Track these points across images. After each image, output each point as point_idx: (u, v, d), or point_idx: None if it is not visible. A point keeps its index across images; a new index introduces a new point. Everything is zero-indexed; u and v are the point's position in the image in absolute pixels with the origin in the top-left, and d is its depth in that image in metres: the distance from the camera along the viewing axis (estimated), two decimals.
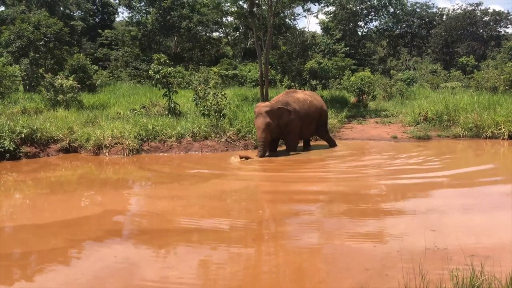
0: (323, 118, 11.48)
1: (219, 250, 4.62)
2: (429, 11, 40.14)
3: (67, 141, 11.41)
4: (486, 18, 38.39)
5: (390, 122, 15.32)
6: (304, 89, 19.81)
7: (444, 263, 3.90)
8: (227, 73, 25.36)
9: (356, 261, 4.17)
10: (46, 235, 5.22)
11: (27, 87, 18.53)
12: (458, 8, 39.64)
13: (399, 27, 39.09)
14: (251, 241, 4.92)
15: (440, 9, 41.66)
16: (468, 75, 27.10)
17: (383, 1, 32.45)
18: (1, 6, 26.99)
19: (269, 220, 5.75)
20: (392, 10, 33.63)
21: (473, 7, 38.31)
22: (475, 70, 27.31)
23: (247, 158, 9.80)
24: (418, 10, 39.66)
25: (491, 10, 38.34)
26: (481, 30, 38.57)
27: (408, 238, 4.70)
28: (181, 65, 25.96)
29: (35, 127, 11.17)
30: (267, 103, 10.88)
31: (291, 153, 10.62)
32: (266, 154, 10.25)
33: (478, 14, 38.15)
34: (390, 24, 36.29)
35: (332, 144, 11.58)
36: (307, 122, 10.96)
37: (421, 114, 14.56)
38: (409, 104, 17.33)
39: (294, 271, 4.08)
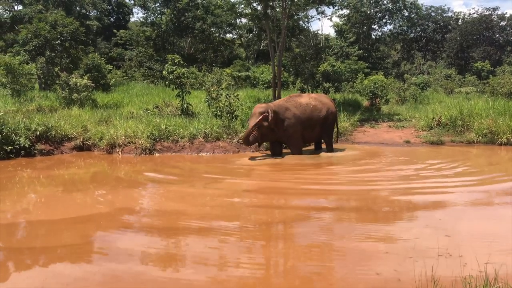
0: (330, 121, 11.17)
1: (228, 249, 4.63)
2: (444, 15, 39.80)
3: (81, 139, 11.56)
4: (503, 23, 37.91)
5: (403, 127, 15.20)
6: (317, 92, 19.81)
7: (458, 270, 3.85)
8: (239, 74, 25.41)
9: (367, 266, 4.15)
10: (61, 231, 5.29)
11: (43, 85, 18.79)
12: (474, 13, 39.24)
13: (414, 31, 38.83)
14: (262, 245, 4.92)
15: (456, 14, 41.27)
16: (483, 80, 26.76)
17: (398, 4, 32.29)
18: (19, 6, 27.39)
19: (278, 224, 5.75)
20: (406, 14, 33.45)
21: (490, 12, 37.89)
22: (491, 75, 26.97)
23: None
24: (433, 14, 39.37)
25: (508, 15, 37.88)
26: (497, 35, 38.09)
27: (420, 243, 4.65)
28: (194, 66, 26.08)
29: (49, 125, 11.35)
30: (263, 104, 10.93)
31: (296, 156, 10.60)
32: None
33: (494, 18, 37.70)
34: (405, 27, 36.09)
35: (329, 149, 11.26)
36: (310, 126, 10.83)
37: (434, 119, 14.43)
38: (422, 109, 17.18)
39: (305, 274, 4.07)
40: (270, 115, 10.25)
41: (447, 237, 4.83)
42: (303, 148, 11.33)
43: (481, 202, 6.70)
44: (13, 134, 10.47)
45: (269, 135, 10.56)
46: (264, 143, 11.39)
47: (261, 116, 10.18)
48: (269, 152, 11.19)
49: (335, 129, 11.76)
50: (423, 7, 36.97)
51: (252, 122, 10.29)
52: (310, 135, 11.09)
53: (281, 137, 10.67)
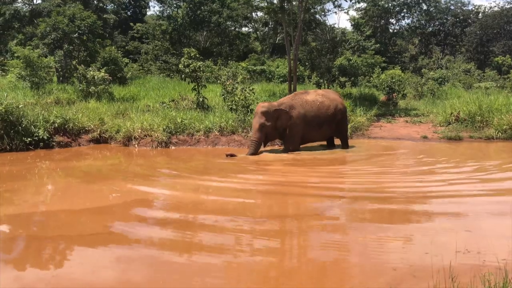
0: (339, 117, 10.76)
1: (242, 239, 4.65)
2: (464, 8, 39.02)
3: (98, 132, 11.72)
4: None
5: (420, 122, 15.01)
6: (333, 86, 19.67)
7: (476, 266, 3.80)
8: (255, 68, 25.35)
9: (384, 261, 4.12)
10: (82, 221, 5.37)
11: (61, 78, 19.00)
12: (495, 6, 38.41)
13: (432, 24, 38.15)
14: (278, 236, 4.93)
15: (476, 7, 40.41)
16: (503, 75, 26.21)
17: None
18: None
19: (294, 218, 5.74)
20: (425, 7, 32.86)
21: (511, 5, 37.03)
22: (511, 70, 26.40)
23: (232, 155, 9.77)
24: (452, 7, 38.61)
25: None
26: None
27: (438, 239, 4.59)
28: (209, 59, 26.09)
29: (67, 117, 11.53)
30: (266, 103, 10.60)
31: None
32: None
33: None
34: (423, 21, 35.46)
35: (344, 146, 10.99)
36: (317, 124, 10.49)
37: (452, 114, 14.20)
38: (440, 104, 16.93)
39: (322, 268, 4.07)
40: (282, 114, 10.10)
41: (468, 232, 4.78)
42: (318, 143, 11.23)
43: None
44: (32, 126, 10.68)
45: (273, 134, 10.40)
46: None
47: (263, 120, 10.02)
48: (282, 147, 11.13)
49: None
50: (442, 0, 36.33)
51: (255, 121, 10.16)
52: (318, 133, 10.73)
53: (282, 135, 10.44)
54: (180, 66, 14.64)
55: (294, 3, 18.28)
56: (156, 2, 32.23)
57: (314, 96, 10.76)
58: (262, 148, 10.44)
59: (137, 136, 11.32)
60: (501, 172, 8.43)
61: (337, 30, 30.36)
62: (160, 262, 4.10)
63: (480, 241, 4.55)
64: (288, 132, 10.33)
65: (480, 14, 38.99)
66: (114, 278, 3.83)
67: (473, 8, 39.96)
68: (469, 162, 9.43)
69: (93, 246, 4.55)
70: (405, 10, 32.84)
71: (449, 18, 38.67)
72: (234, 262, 4.17)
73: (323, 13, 24.78)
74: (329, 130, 10.82)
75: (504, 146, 11.59)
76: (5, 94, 12.22)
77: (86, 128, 11.75)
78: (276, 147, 11.33)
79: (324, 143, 11.38)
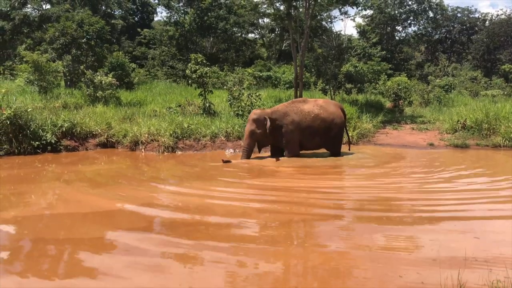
0: (334, 131, 10.45)
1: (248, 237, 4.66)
2: (471, 16, 38.99)
3: (105, 136, 11.79)
4: None
5: (426, 129, 14.98)
6: (339, 93, 19.66)
7: (484, 274, 3.78)
8: (261, 74, 25.43)
9: (390, 268, 4.10)
10: (87, 224, 5.39)
11: (68, 82, 19.14)
12: (501, 14, 38.32)
13: (439, 32, 38.17)
14: (284, 242, 4.93)
15: (483, 15, 40.34)
16: (510, 83, 26.11)
17: (423, 5, 31.80)
18: (47, 5, 28.03)
19: (300, 222, 5.74)
20: (431, 14, 32.92)
21: None
22: None
23: (228, 161, 9.74)
24: (459, 15, 38.63)
25: None
26: None
27: (446, 246, 4.57)
28: (216, 65, 26.20)
29: (75, 122, 11.62)
30: (259, 110, 10.49)
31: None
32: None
33: None
34: (429, 29, 35.49)
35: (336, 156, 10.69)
36: (310, 134, 10.33)
37: (459, 122, 14.17)
38: (446, 111, 16.89)
39: (328, 274, 4.06)
40: (265, 122, 10.05)
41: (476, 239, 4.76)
42: (319, 150, 11.19)
43: None
44: (40, 130, 10.78)
45: (265, 141, 10.38)
46: None
47: (253, 127, 10.01)
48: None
49: (345, 137, 11.23)
50: (449, 8, 36.36)
51: (246, 128, 10.18)
52: (310, 143, 10.58)
53: (279, 142, 10.37)
54: (187, 72, 14.73)
55: (300, 9, 18.38)
56: (164, 8, 32.41)
57: (312, 107, 10.52)
58: (260, 154, 10.49)
59: (144, 141, 11.38)
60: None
61: (343, 37, 30.52)
62: (166, 269, 4.11)
63: (489, 248, 4.53)
64: (284, 139, 10.29)
65: (487, 22, 38.96)
66: (119, 282, 3.85)
67: (480, 16, 39.99)
68: (479, 170, 9.39)
69: (99, 249, 4.58)
70: (411, 18, 32.93)
71: (455, 25, 38.68)
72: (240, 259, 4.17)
73: (329, 20, 24.99)
74: (322, 141, 10.61)
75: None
76: (14, 98, 12.33)
77: (93, 133, 11.83)
78: None
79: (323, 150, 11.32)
